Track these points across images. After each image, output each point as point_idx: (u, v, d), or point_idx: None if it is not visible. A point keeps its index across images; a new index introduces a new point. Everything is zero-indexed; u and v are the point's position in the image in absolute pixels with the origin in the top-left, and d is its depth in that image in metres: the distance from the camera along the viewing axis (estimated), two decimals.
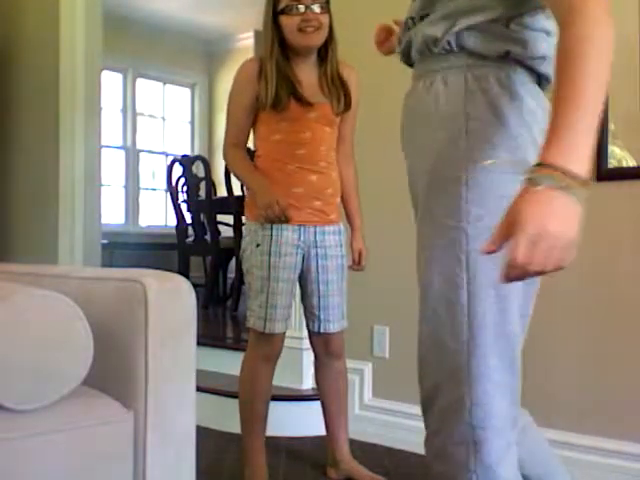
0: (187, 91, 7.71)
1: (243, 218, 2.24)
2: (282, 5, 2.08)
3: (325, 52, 2.16)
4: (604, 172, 2.16)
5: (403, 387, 2.63)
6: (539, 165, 0.89)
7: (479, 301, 1.07)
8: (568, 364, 2.23)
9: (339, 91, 2.16)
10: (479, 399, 1.07)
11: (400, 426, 2.60)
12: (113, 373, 1.36)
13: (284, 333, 2.18)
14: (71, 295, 1.28)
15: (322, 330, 2.21)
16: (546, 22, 1.11)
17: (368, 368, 2.75)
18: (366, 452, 2.52)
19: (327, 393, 2.31)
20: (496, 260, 0.94)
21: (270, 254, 2.09)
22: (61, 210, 3.55)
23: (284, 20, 2.09)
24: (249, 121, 2.17)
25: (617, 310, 2.15)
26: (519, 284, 1.05)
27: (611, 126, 2.15)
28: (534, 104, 1.10)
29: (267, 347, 2.16)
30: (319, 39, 2.11)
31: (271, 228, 2.09)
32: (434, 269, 1.10)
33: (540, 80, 1.15)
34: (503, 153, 1.06)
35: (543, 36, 1.11)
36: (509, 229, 0.88)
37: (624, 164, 2.14)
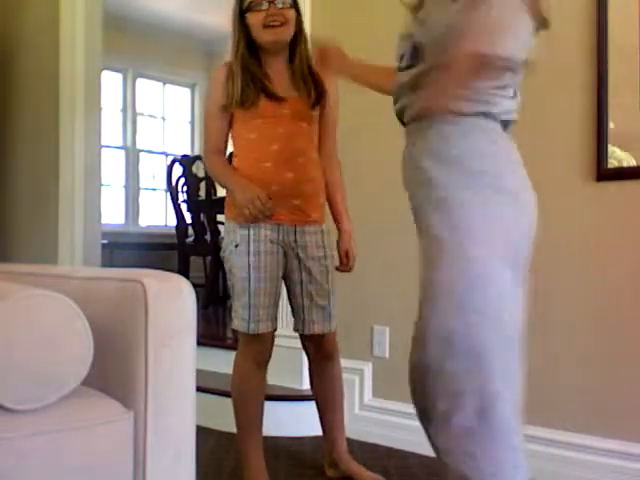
0: (187, 91, 7.70)
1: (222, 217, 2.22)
2: (246, 3, 2.08)
3: (294, 49, 2.15)
4: (604, 172, 2.16)
5: (403, 387, 2.62)
6: None
7: None
8: (569, 364, 2.23)
9: (310, 85, 2.14)
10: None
11: (400, 426, 2.60)
12: (113, 373, 1.36)
13: (272, 333, 2.15)
14: (71, 295, 1.28)
15: (307, 331, 2.18)
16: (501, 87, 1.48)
17: (368, 368, 2.75)
18: (366, 452, 2.52)
19: (321, 396, 2.30)
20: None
21: (249, 254, 2.07)
22: (61, 210, 3.55)
23: (249, 18, 2.08)
24: (225, 125, 2.15)
25: (618, 310, 2.15)
26: (507, 287, 1.39)
27: (611, 126, 2.15)
28: (503, 144, 1.49)
29: (255, 348, 2.14)
30: (285, 34, 2.10)
31: (248, 228, 2.07)
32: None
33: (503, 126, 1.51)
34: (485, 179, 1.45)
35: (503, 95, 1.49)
36: None
37: (624, 164, 2.14)
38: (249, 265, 2.07)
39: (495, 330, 1.36)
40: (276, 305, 2.14)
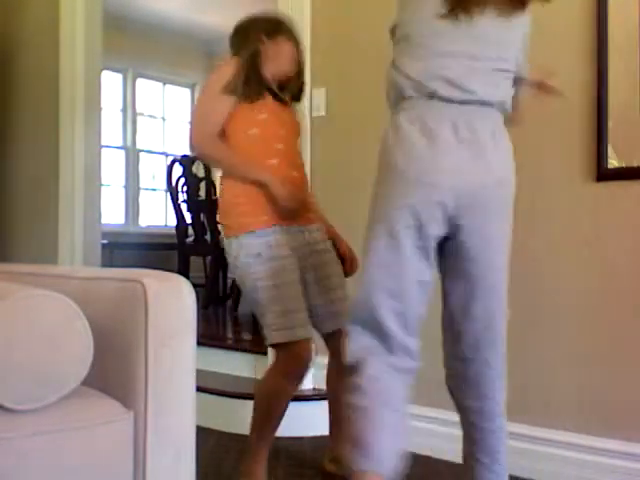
0: (187, 91, 7.71)
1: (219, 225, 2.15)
2: (282, 28, 2.15)
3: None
4: (604, 172, 2.16)
5: None
6: None
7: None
8: (569, 364, 2.23)
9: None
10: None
11: None
12: (113, 373, 1.36)
13: (309, 343, 2.03)
14: (71, 295, 1.28)
15: (333, 328, 2.13)
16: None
17: None
18: None
19: (336, 394, 2.28)
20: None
21: (272, 260, 2.00)
22: (61, 210, 3.55)
23: (285, 44, 2.14)
24: (226, 110, 2.04)
25: (618, 309, 2.15)
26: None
27: (610, 125, 2.15)
28: (406, 125, 1.58)
29: (291, 360, 2.03)
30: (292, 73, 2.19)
31: (265, 235, 2.01)
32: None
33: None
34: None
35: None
36: None
37: (624, 164, 2.14)
38: (272, 272, 1.99)
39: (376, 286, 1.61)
40: (305, 309, 2.05)
